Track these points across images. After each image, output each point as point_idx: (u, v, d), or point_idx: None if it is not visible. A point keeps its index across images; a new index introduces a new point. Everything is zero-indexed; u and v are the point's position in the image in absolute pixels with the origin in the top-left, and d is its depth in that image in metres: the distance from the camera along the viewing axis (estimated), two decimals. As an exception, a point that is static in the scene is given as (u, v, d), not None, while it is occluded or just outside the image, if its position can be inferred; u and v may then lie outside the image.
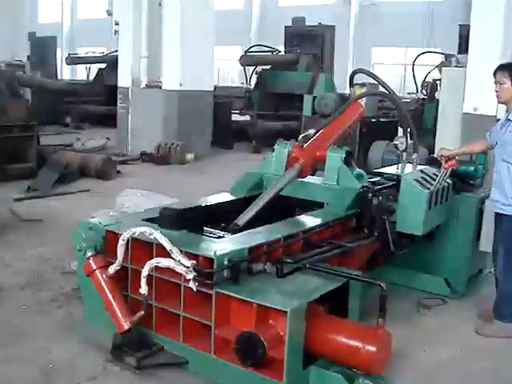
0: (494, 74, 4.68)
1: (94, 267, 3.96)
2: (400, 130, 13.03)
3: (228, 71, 32.85)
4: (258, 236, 4.12)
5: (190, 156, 12.31)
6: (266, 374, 3.47)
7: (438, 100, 11.06)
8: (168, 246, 3.66)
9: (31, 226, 7.12)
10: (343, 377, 3.53)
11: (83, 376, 3.79)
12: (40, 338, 4.27)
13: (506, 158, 4.59)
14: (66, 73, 32.45)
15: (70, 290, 5.10)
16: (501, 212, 4.67)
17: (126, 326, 3.84)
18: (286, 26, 17.46)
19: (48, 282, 5.34)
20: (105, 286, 3.93)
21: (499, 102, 4.79)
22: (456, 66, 9.58)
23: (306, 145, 5.26)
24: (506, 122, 4.64)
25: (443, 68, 10.23)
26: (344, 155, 5.12)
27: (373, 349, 3.42)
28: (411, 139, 5.50)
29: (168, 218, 4.13)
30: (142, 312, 3.81)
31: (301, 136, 5.32)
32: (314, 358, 3.66)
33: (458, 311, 5.12)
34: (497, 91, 4.68)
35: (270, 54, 16.96)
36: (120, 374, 3.81)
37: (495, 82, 4.66)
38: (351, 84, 6.18)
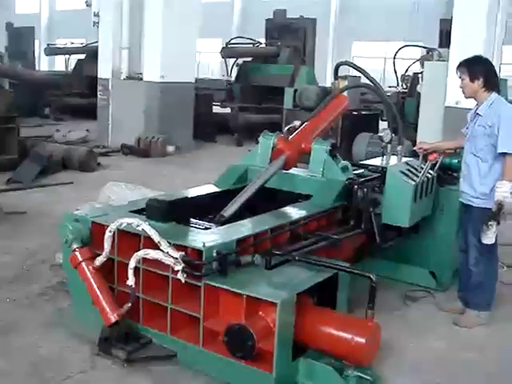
0: (456, 70, 4.74)
1: (81, 259, 3.93)
2: (381, 123, 13.16)
3: (208, 63, 32.72)
4: (246, 228, 4.12)
5: (170, 148, 12.24)
6: (256, 366, 3.48)
7: (419, 93, 11.11)
8: (156, 237, 3.64)
9: (15, 219, 7.01)
10: (332, 368, 3.54)
11: (73, 369, 3.76)
12: (28, 332, 4.23)
13: (474, 152, 4.65)
14: (43, 64, 32.09)
15: (57, 284, 5.04)
16: (470, 204, 4.73)
17: (113, 319, 3.81)
18: (267, 19, 17.39)
19: (35, 275, 5.28)
20: (91, 279, 3.90)
21: (465, 97, 4.84)
22: (438, 60, 9.63)
23: (290, 137, 5.27)
24: (476, 115, 4.70)
25: (425, 62, 10.27)
26: (329, 147, 5.13)
27: (362, 340, 3.44)
28: (395, 132, 5.52)
29: (155, 210, 4.11)
30: (130, 304, 3.79)
31: (286, 128, 5.32)
32: (303, 350, 3.67)
33: (444, 303, 5.13)
34: (461, 87, 4.75)
35: (251, 46, 16.90)
36: (109, 368, 3.79)
37: (459, 78, 4.71)
38: (336, 76, 6.19)
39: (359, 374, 3.59)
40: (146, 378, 3.73)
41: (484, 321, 4.83)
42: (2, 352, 3.95)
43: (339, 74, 6.33)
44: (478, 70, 4.62)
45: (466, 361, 4.26)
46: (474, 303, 4.85)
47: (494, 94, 4.62)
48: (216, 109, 15.76)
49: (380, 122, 12.98)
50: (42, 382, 3.65)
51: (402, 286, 5.43)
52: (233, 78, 16.66)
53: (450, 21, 9.95)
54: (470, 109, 4.94)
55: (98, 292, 3.87)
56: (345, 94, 5.98)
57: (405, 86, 13.72)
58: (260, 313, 3.50)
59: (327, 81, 23.93)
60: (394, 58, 13.72)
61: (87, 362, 3.84)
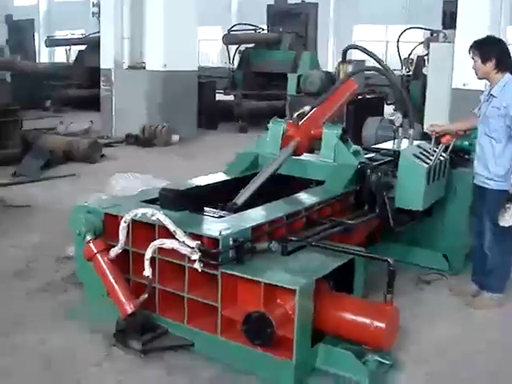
0: (469, 51, 4.68)
1: (95, 251, 3.90)
2: (386, 107, 13.08)
3: (208, 51, 32.56)
4: (260, 215, 4.09)
5: (175, 137, 12.18)
6: (275, 353, 3.46)
7: (425, 76, 11.02)
8: (172, 227, 3.60)
9: (20, 212, 6.97)
10: (352, 353, 3.52)
11: (87, 362, 3.73)
12: (40, 326, 4.18)
13: (488, 133, 4.60)
14: (43, 56, 31.94)
15: (65, 277, 4.99)
16: (485, 186, 4.68)
17: (130, 310, 3.79)
18: (268, 5, 17.30)
19: (42, 268, 5.22)
20: (107, 270, 3.87)
21: (478, 78, 4.78)
22: (444, 42, 9.54)
23: (300, 122, 5.22)
24: (489, 96, 4.64)
25: (431, 43, 10.18)
26: (340, 132, 5.08)
27: (382, 325, 3.42)
28: (405, 115, 5.48)
29: (168, 199, 4.07)
30: (146, 295, 3.75)
31: (296, 114, 5.27)
32: (320, 336, 3.65)
33: (457, 286, 5.10)
34: (473, 68, 4.69)
35: (253, 32, 16.80)
36: (125, 359, 3.76)
37: (472, 59, 4.66)
38: (344, 60, 6.14)
39: (378, 358, 3.57)
40: (161, 367, 3.70)
41: (498, 303, 4.81)
42: (15, 347, 3.92)
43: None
44: (490, 51, 4.55)
45: (481, 344, 4.23)
46: (489, 286, 4.83)
47: (508, 75, 4.55)
48: (219, 96, 15.68)
49: (385, 105, 12.91)
50: (57, 375, 3.63)
51: (415, 269, 5.38)
52: (235, 65, 16.56)
53: (454, 2, 9.85)
54: (477, 90, 4.90)
55: (114, 283, 3.84)
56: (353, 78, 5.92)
57: (408, 70, 13.61)
58: (278, 300, 3.47)
59: (329, 65, 23.80)
60: (398, 41, 13.59)
61: (102, 354, 3.81)
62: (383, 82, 13.51)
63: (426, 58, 11.50)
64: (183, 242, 3.55)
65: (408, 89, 12.52)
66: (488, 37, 4.75)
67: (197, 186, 4.49)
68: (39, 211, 7.05)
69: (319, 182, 4.95)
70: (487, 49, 4.56)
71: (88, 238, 3.93)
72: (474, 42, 4.64)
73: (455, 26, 9.08)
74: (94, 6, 22.36)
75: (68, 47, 20.93)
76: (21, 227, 6.39)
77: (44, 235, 6.06)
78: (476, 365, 3.96)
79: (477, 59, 4.57)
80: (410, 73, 13.34)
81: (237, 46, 16.34)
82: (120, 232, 3.79)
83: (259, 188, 4.60)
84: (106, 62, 13.01)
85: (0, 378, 3.59)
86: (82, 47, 19.01)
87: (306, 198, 4.57)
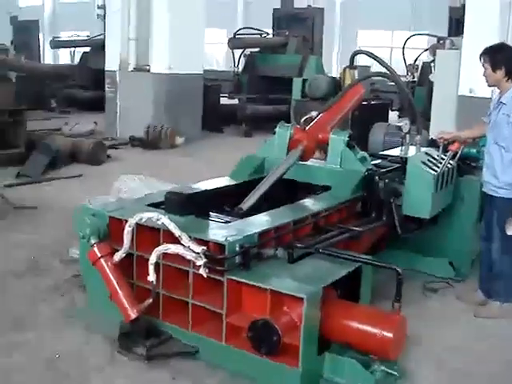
0: (480, 58, 4.63)
1: (99, 255, 3.84)
2: (390, 113, 13.05)
3: (213, 54, 32.51)
4: (267, 221, 4.05)
5: (180, 140, 12.13)
6: (281, 361, 3.41)
7: (431, 83, 10.99)
8: (177, 232, 3.56)
9: (25, 213, 6.94)
10: (359, 363, 3.47)
11: (91, 365, 3.70)
12: (43, 327, 4.16)
13: (498, 141, 4.55)
14: (47, 57, 31.94)
15: (70, 278, 4.96)
16: (493, 194, 4.63)
17: (134, 315, 3.73)
18: (274, 9, 17.29)
19: (47, 269, 5.20)
20: (111, 275, 3.81)
21: (488, 86, 4.74)
22: (451, 49, 9.50)
23: (308, 127, 5.19)
24: (499, 104, 4.60)
25: (437, 50, 10.14)
26: (347, 138, 5.05)
27: (389, 335, 3.37)
28: (413, 122, 5.45)
29: (174, 203, 4.03)
30: (151, 300, 3.71)
31: (303, 119, 5.25)
32: (327, 344, 3.60)
33: (464, 294, 5.05)
34: (484, 75, 4.64)
35: (258, 36, 16.78)
36: (129, 364, 3.72)
37: (482, 66, 4.62)
38: (351, 65, 6.11)
39: (385, 368, 3.52)
40: (165, 373, 3.66)
41: (506, 312, 4.75)
42: (18, 347, 3.88)
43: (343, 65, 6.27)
44: (500, 59, 4.50)
45: (488, 352, 4.19)
46: (496, 292, 4.79)
47: None
48: (223, 100, 15.65)
49: (389, 111, 12.89)
50: (57, 377, 3.59)
51: (421, 276, 5.34)
52: (240, 69, 16.54)
53: (460, 9, 9.82)
54: (484, 98, 4.84)
55: (118, 288, 3.78)
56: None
57: (413, 76, 13.61)
58: (284, 307, 3.43)
59: (333, 70, 23.78)
60: (404, 47, 13.59)
61: (106, 358, 3.77)
62: (388, 88, 13.51)
63: (432, 64, 11.49)
64: (188, 247, 3.51)
65: (412, 94, 12.52)
66: (499, 44, 4.70)
67: (203, 191, 4.45)
68: (44, 212, 7.01)
69: (325, 188, 4.91)
70: (497, 56, 4.51)
71: (92, 241, 3.88)
72: (485, 48, 4.59)
73: (461, 33, 9.04)
74: (99, 8, 22.42)
75: (73, 49, 20.90)
76: (25, 228, 6.35)
77: (51, 235, 6.03)
78: (481, 372, 3.92)
79: (487, 66, 4.52)
80: (415, 79, 13.35)
81: (242, 49, 16.32)
82: (125, 236, 3.74)
83: (265, 192, 4.56)
84: (111, 63, 12.98)
85: (0, 380, 3.55)
86: (87, 49, 19.01)
87: (312, 204, 4.53)
